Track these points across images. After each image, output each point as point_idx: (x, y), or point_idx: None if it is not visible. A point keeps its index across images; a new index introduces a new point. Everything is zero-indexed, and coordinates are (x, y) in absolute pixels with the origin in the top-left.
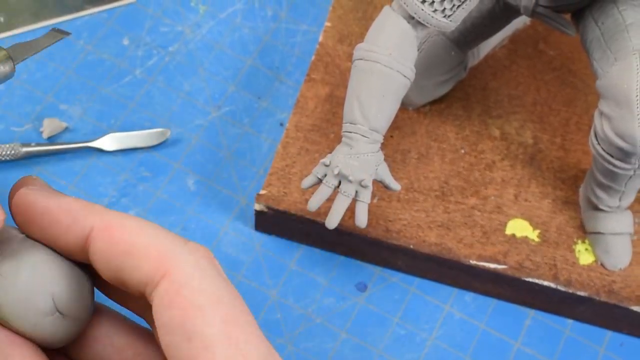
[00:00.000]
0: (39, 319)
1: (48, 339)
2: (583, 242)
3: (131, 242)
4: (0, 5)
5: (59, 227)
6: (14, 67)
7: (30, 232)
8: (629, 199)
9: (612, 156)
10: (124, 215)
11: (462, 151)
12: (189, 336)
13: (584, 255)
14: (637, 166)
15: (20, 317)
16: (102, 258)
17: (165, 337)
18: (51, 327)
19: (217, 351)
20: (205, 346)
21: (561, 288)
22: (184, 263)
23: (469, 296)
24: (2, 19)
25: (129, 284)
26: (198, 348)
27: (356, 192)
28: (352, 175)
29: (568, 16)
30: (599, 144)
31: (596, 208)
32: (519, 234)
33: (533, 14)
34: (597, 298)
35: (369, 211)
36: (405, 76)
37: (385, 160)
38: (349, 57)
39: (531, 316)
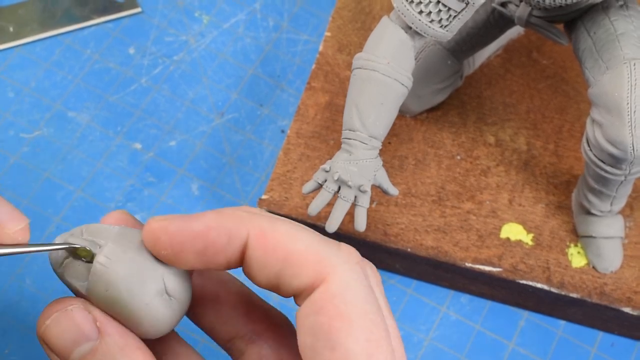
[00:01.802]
0: (150, 298)
1: (157, 321)
2: (575, 245)
3: (288, 249)
4: (10, 16)
5: (215, 247)
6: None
7: (180, 261)
8: (620, 203)
9: (603, 162)
10: (273, 218)
11: (458, 157)
12: (333, 345)
13: (577, 258)
14: (627, 172)
15: (133, 296)
16: (259, 265)
17: (307, 340)
18: (161, 309)
19: None
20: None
21: (554, 290)
22: (340, 272)
23: (464, 298)
24: (11, 29)
25: (284, 289)
26: (339, 359)
27: (355, 197)
28: (351, 181)
29: (561, 26)
30: (590, 150)
31: (588, 212)
32: (513, 238)
33: (527, 24)
34: (589, 300)
35: (368, 215)
36: (402, 84)
37: (383, 166)
38: (348, 66)
39: (525, 317)
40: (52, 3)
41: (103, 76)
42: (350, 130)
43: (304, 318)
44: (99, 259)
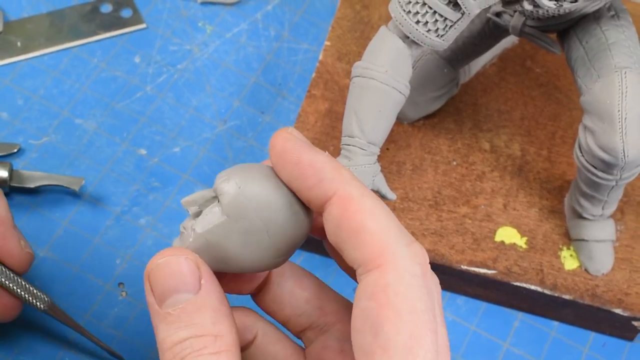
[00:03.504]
0: (295, 208)
1: (300, 228)
2: (568, 248)
3: (363, 223)
4: (18, 30)
5: (306, 182)
6: None
7: (280, 174)
8: (611, 208)
9: (595, 168)
10: (365, 191)
11: (454, 163)
12: (376, 332)
13: (569, 261)
14: (618, 177)
15: (274, 209)
16: (332, 224)
17: (356, 321)
18: (300, 219)
19: (393, 358)
20: (386, 348)
21: (547, 292)
22: (399, 264)
23: (460, 299)
24: (19, 44)
25: (344, 255)
26: (379, 346)
27: None
28: None
29: (554, 36)
30: (583, 156)
31: (580, 216)
32: (507, 241)
33: (521, 33)
34: (581, 301)
35: None
36: (400, 92)
37: (381, 171)
38: (348, 74)
39: (519, 318)
40: (59, 18)
41: (109, 84)
42: (349, 136)
43: (357, 301)
44: (220, 177)
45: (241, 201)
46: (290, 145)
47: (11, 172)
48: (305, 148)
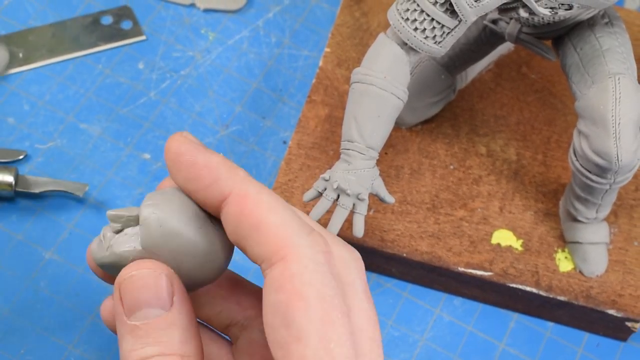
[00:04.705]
0: (201, 223)
1: (213, 247)
2: (563, 251)
3: (261, 218)
4: (20, 42)
5: (201, 182)
6: None
7: (175, 179)
8: (605, 211)
9: (589, 172)
10: (261, 188)
11: (451, 167)
12: (288, 323)
13: (564, 263)
14: (612, 181)
15: (185, 224)
16: (231, 223)
17: (267, 316)
18: (213, 235)
19: (308, 345)
20: (299, 338)
21: (542, 293)
22: (302, 254)
23: (457, 301)
24: (21, 55)
25: (248, 252)
26: (293, 337)
27: (354, 204)
28: (350, 189)
29: (549, 42)
30: (577, 160)
31: (575, 219)
32: (503, 244)
33: (516, 40)
34: (576, 302)
35: (366, 222)
36: (398, 98)
37: (380, 175)
38: (347, 80)
39: (515, 319)
40: (60, 30)
41: (114, 90)
42: (348, 141)
43: (266, 296)
44: (146, 203)
45: (158, 239)
46: (185, 148)
47: (17, 177)
48: (200, 150)
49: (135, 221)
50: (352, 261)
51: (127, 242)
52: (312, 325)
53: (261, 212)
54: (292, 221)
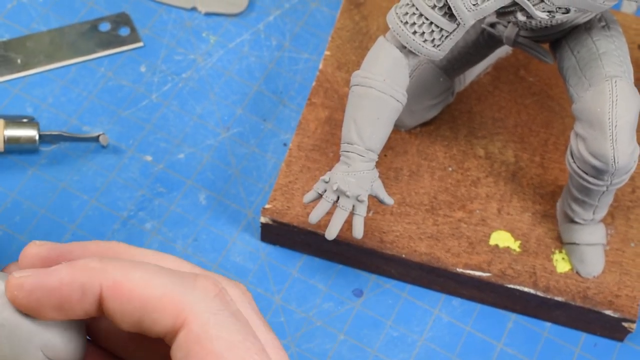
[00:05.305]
0: None
1: None
2: (560, 252)
3: (144, 297)
4: (18, 48)
5: (71, 302)
6: None
7: (42, 315)
8: (602, 212)
9: (586, 173)
10: (130, 267)
11: (450, 169)
12: None
13: (561, 264)
14: (609, 183)
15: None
16: (118, 315)
17: None
18: None
19: None
20: None
21: (540, 294)
22: (199, 312)
23: (456, 301)
24: (19, 61)
25: (148, 334)
26: None
27: (353, 206)
28: (349, 191)
29: (546, 46)
30: (574, 162)
31: (572, 221)
32: (501, 245)
33: (514, 43)
34: (573, 303)
35: (365, 224)
36: (397, 100)
37: (379, 177)
38: (347, 83)
39: (513, 319)
40: (58, 36)
41: (116, 93)
42: (348, 143)
43: None
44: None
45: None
46: (28, 285)
47: (39, 132)
48: (44, 274)
49: None
50: (241, 294)
51: None
52: None
53: (141, 291)
54: (173, 284)
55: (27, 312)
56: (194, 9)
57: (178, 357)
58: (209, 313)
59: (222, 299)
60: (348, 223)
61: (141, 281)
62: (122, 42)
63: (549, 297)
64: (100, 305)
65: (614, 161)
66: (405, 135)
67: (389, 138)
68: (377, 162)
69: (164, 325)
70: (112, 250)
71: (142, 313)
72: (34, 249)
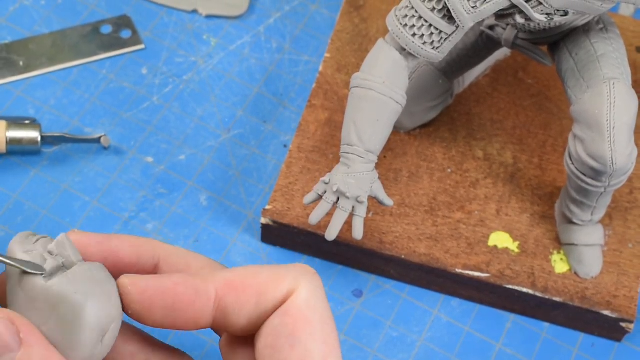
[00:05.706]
0: (92, 335)
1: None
2: (558, 252)
3: (257, 282)
4: (20, 50)
5: (184, 301)
6: None
7: (149, 317)
8: (600, 213)
9: (584, 175)
10: (235, 268)
11: (449, 170)
12: (293, 343)
13: (559, 265)
14: (607, 184)
15: (77, 324)
16: (237, 308)
17: (268, 339)
18: (93, 349)
19: None
20: (305, 357)
21: (538, 294)
22: (306, 283)
23: (455, 302)
24: (21, 63)
25: (264, 316)
26: (298, 356)
27: (353, 207)
28: (349, 192)
29: (545, 48)
30: (572, 163)
31: (570, 222)
32: (500, 245)
33: (513, 46)
34: (571, 303)
35: (365, 225)
36: (397, 102)
37: (379, 178)
38: (347, 85)
39: (511, 320)
40: (60, 39)
41: (117, 95)
42: (348, 145)
43: (269, 322)
44: (65, 277)
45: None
46: (143, 283)
47: (42, 133)
48: (158, 276)
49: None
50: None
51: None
52: (317, 347)
53: (251, 281)
54: (275, 268)
55: (136, 314)
56: (194, 11)
57: (273, 318)
58: (314, 286)
59: (319, 278)
60: (348, 224)
61: (249, 272)
62: (124, 44)
63: (547, 297)
64: (212, 309)
65: (612, 163)
66: (404, 136)
67: (389, 139)
68: (376, 164)
69: (277, 302)
70: (148, 244)
71: (258, 298)
72: (74, 235)
